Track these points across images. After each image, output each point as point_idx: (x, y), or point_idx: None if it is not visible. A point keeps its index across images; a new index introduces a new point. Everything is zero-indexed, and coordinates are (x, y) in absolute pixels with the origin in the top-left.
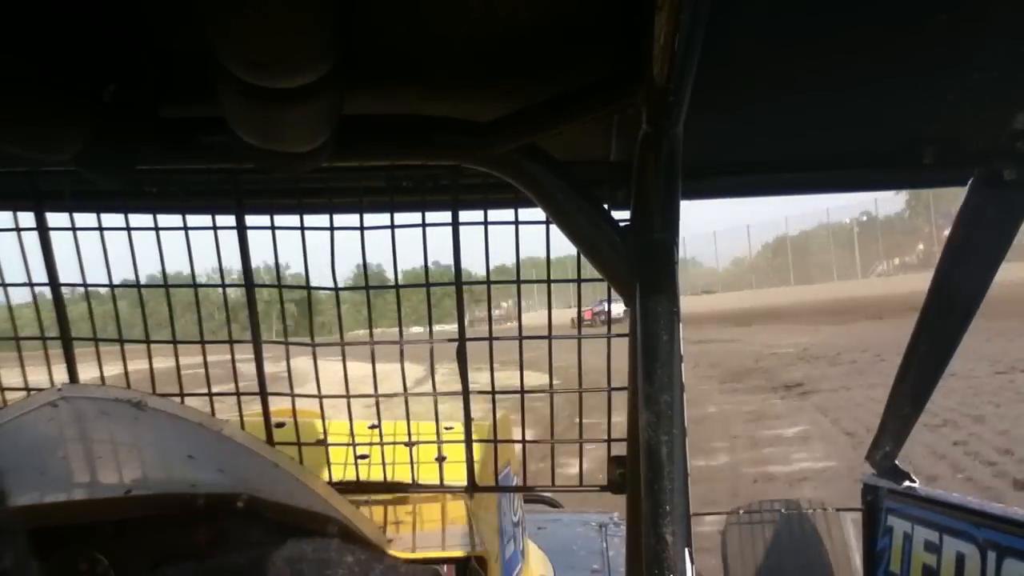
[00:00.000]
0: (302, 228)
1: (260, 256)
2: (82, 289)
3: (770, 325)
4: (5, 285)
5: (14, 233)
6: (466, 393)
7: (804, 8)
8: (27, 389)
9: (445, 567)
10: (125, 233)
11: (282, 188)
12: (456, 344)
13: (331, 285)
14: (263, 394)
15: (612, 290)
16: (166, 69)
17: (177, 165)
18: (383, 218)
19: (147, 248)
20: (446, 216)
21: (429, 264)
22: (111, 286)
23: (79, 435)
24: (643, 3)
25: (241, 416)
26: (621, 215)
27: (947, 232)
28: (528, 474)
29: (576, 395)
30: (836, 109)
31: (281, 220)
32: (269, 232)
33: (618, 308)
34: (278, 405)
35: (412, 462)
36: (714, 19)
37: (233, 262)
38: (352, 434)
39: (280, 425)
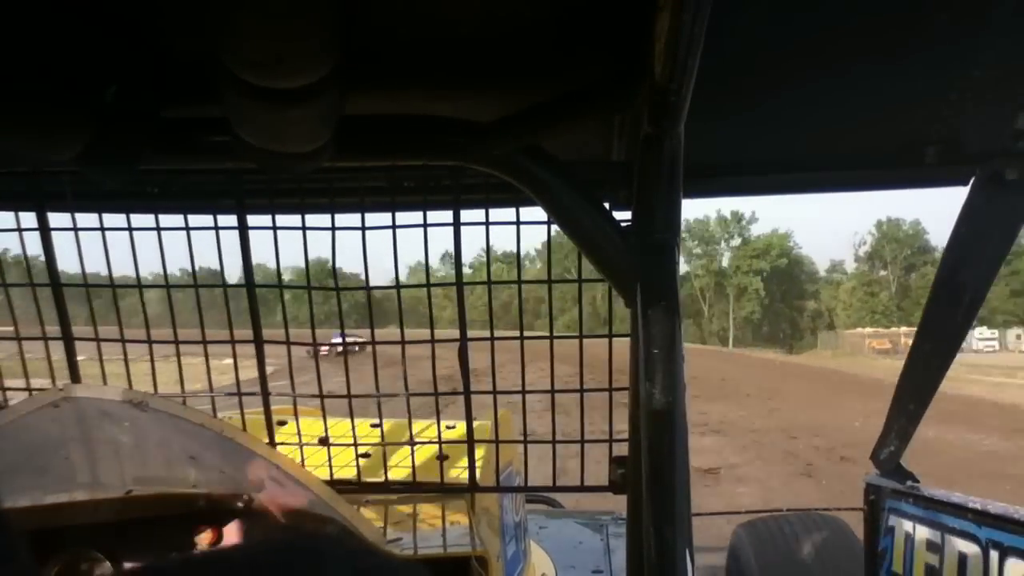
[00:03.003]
0: (303, 228)
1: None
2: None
3: None
4: (6, 285)
5: (15, 233)
6: (467, 393)
7: (805, 9)
8: (29, 389)
9: None
10: (127, 233)
11: (284, 188)
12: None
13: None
14: (264, 394)
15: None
16: (168, 70)
17: (179, 165)
18: (385, 218)
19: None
20: (448, 216)
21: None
22: (112, 286)
23: (81, 435)
24: (645, 4)
25: (243, 416)
26: (623, 215)
27: None
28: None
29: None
30: (837, 109)
31: (283, 220)
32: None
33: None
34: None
35: (412, 462)
36: (715, 19)
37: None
38: (354, 434)
39: (282, 423)
